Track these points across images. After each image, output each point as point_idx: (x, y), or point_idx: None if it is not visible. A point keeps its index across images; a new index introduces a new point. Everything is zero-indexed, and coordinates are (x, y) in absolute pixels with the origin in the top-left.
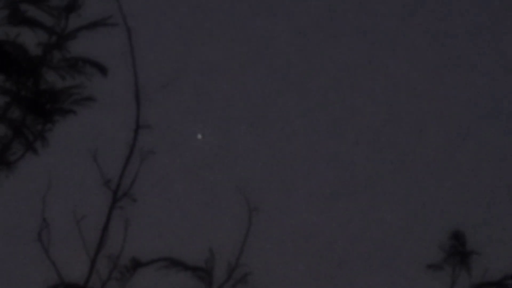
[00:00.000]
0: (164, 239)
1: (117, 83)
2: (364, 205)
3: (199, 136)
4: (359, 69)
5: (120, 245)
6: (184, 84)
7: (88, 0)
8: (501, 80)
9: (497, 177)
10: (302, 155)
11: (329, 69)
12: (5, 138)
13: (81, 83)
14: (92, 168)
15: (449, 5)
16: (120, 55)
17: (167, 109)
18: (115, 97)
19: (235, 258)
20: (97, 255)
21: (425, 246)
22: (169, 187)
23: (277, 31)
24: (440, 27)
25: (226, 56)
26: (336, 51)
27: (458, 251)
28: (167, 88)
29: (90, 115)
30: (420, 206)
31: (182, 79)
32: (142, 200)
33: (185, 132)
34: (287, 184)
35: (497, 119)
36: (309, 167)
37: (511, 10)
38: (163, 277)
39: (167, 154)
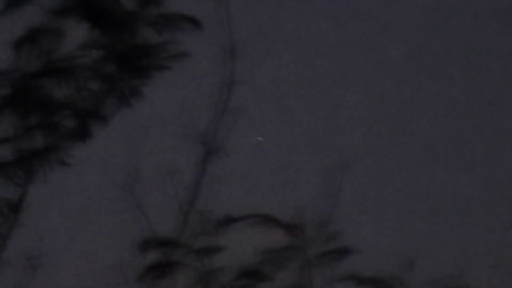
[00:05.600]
0: (256, 195)
1: (212, 38)
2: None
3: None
4: None
5: (212, 200)
6: (276, 40)
7: None
8: None
9: None
10: (395, 113)
11: None
12: (100, 92)
13: (176, 39)
14: (186, 123)
15: None
16: (216, 11)
17: (260, 65)
18: (210, 53)
19: (326, 215)
20: (189, 210)
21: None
22: (262, 143)
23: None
24: None
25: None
26: None
27: None
28: (259, 44)
29: (184, 70)
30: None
31: (274, 35)
32: (235, 155)
33: (278, 89)
34: (378, 142)
35: None
36: (399, 126)
37: None
38: (255, 233)
39: (259, 111)
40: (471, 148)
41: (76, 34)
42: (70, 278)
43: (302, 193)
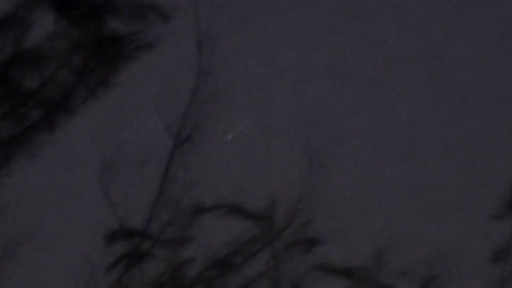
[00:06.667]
0: (225, 185)
1: (180, 29)
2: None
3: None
4: None
5: (181, 190)
6: (246, 32)
7: None
8: None
9: None
10: (365, 104)
11: None
12: (67, 83)
13: (143, 29)
14: (157, 113)
15: None
16: (184, 2)
17: (229, 55)
18: (178, 43)
19: (296, 203)
20: (157, 200)
21: (488, 197)
22: (231, 133)
23: None
24: None
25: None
26: None
27: None
28: (229, 34)
29: (152, 60)
30: (483, 162)
31: (244, 25)
32: (203, 145)
33: (248, 77)
34: (348, 131)
35: None
36: (370, 118)
37: None
38: (224, 224)
39: (228, 100)
40: (453, 137)
41: (44, 24)
42: (37, 270)
43: (274, 183)
